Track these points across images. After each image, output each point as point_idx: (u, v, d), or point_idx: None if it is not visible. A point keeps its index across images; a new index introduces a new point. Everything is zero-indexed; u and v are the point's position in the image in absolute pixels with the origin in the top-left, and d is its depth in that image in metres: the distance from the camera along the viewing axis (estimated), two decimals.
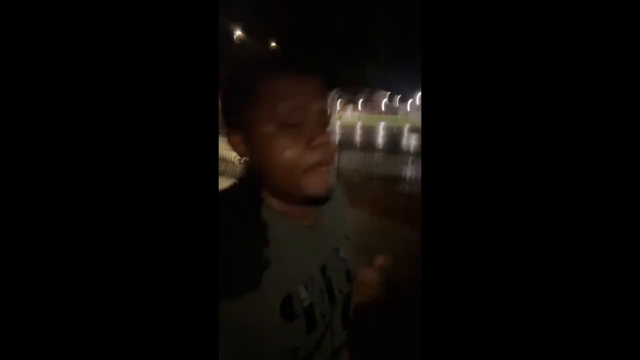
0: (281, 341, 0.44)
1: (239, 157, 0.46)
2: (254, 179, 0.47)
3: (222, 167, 4.14)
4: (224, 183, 0.47)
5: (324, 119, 0.44)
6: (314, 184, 0.43)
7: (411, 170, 5.00)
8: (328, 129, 0.44)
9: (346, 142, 6.33)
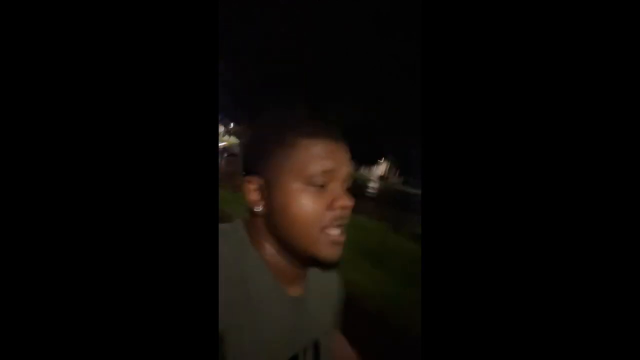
0: None
1: (250, 205, 0.46)
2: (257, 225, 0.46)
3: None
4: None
5: (348, 184, 0.46)
6: (330, 246, 0.44)
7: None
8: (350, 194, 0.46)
9: None
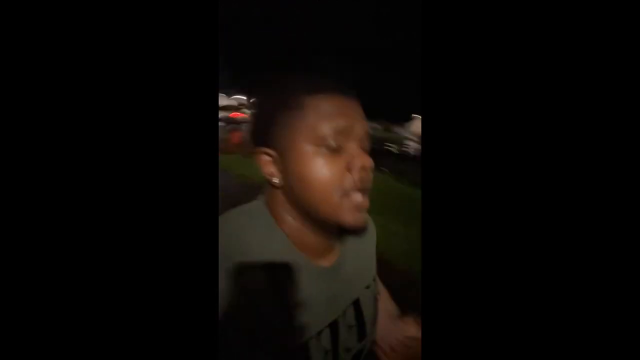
0: None
1: (267, 178, 0.44)
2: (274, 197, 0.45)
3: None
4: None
5: (365, 144, 0.43)
6: (353, 212, 0.41)
7: None
8: (368, 154, 0.42)
9: None
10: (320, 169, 0.40)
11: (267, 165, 0.43)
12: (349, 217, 0.41)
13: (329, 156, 0.40)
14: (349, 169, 0.41)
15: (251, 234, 0.42)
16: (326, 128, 0.40)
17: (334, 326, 0.45)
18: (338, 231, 0.45)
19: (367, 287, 0.53)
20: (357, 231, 0.43)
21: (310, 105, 0.41)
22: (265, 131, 0.43)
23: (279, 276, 0.42)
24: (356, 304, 0.50)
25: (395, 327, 0.55)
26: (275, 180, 0.43)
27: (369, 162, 0.41)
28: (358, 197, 0.41)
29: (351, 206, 0.41)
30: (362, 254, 0.54)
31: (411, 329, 0.54)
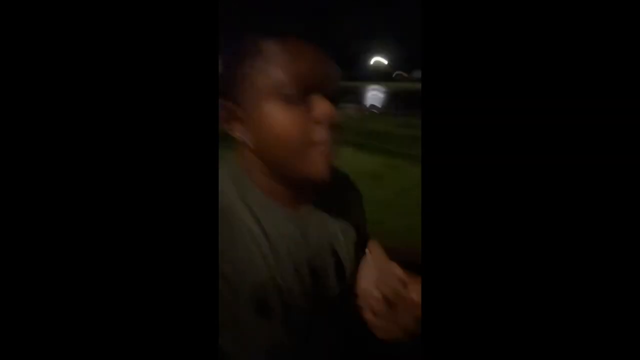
0: (257, 340, 0.41)
1: (230, 133, 0.43)
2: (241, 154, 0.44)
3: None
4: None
5: (328, 91, 0.40)
6: (315, 163, 0.40)
7: None
8: (332, 102, 0.40)
9: None
10: (281, 120, 0.38)
11: (226, 120, 0.42)
12: (312, 170, 0.40)
13: (289, 106, 0.38)
14: (311, 118, 0.39)
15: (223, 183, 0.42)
16: (283, 75, 0.38)
17: (311, 263, 0.45)
18: (306, 184, 0.44)
19: (345, 236, 0.52)
20: (321, 183, 0.41)
21: (266, 51, 0.38)
22: (229, 86, 0.41)
23: (242, 217, 0.42)
24: (332, 247, 0.49)
25: (389, 278, 0.47)
26: (238, 135, 0.42)
27: (330, 110, 0.39)
28: (322, 148, 0.40)
29: (313, 159, 0.40)
30: (340, 206, 0.52)
31: (413, 287, 0.44)
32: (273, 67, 0.38)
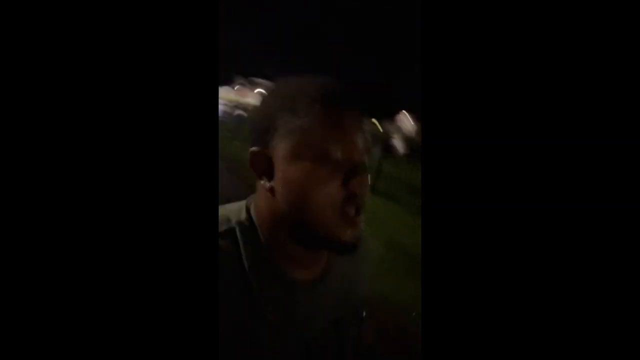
0: None
1: (258, 178, 0.43)
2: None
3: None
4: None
5: (363, 158, 0.41)
6: (346, 228, 0.40)
7: None
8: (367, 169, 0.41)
9: None
10: (317, 180, 0.39)
11: (258, 164, 0.42)
12: (340, 232, 0.40)
13: (326, 168, 0.39)
14: (346, 184, 0.40)
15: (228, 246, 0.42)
16: (328, 139, 0.39)
17: (308, 344, 0.44)
18: (326, 247, 0.43)
19: (353, 311, 0.51)
20: (348, 249, 0.41)
21: (314, 114, 0.39)
22: (263, 133, 0.42)
23: (253, 286, 0.41)
24: (336, 323, 0.48)
25: None
26: (265, 182, 0.42)
27: (367, 178, 0.40)
28: (351, 211, 0.40)
29: (343, 221, 0.40)
30: (353, 272, 0.51)
31: None
32: (318, 131, 0.39)
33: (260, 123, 0.43)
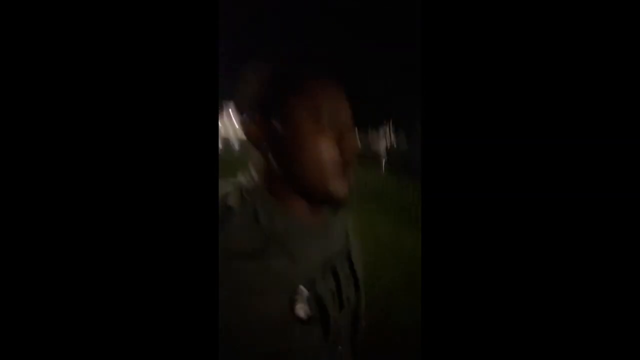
0: (291, 344, 0.42)
1: (255, 146, 0.46)
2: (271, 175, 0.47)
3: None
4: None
5: (352, 124, 0.47)
6: (341, 186, 0.46)
7: None
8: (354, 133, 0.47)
9: None
10: (318, 147, 0.44)
11: (259, 135, 0.46)
12: (338, 192, 0.45)
13: (326, 135, 0.44)
14: (339, 146, 0.45)
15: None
16: (327, 107, 0.44)
17: (334, 271, 0.48)
18: (322, 199, 0.48)
19: (349, 249, 0.55)
20: (341, 203, 0.47)
21: (308, 85, 0.44)
22: (259, 100, 0.46)
23: (272, 230, 0.44)
24: (348, 255, 0.53)
25: None
26: (262, 146, 0.46)
27: (356, 141, 0.46)
28: (345, 173, 0.46)
29: (339, 182, 0.45)
30: (344, 215, 0.57)
31: None
32: (321, 101, 0.44)
33: (261, 96, 0.46)
